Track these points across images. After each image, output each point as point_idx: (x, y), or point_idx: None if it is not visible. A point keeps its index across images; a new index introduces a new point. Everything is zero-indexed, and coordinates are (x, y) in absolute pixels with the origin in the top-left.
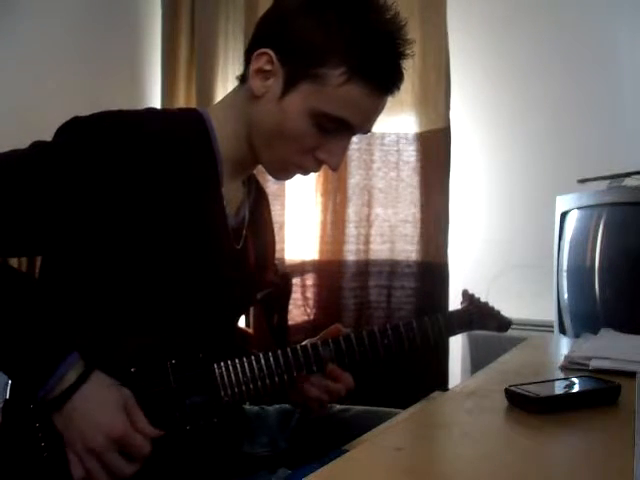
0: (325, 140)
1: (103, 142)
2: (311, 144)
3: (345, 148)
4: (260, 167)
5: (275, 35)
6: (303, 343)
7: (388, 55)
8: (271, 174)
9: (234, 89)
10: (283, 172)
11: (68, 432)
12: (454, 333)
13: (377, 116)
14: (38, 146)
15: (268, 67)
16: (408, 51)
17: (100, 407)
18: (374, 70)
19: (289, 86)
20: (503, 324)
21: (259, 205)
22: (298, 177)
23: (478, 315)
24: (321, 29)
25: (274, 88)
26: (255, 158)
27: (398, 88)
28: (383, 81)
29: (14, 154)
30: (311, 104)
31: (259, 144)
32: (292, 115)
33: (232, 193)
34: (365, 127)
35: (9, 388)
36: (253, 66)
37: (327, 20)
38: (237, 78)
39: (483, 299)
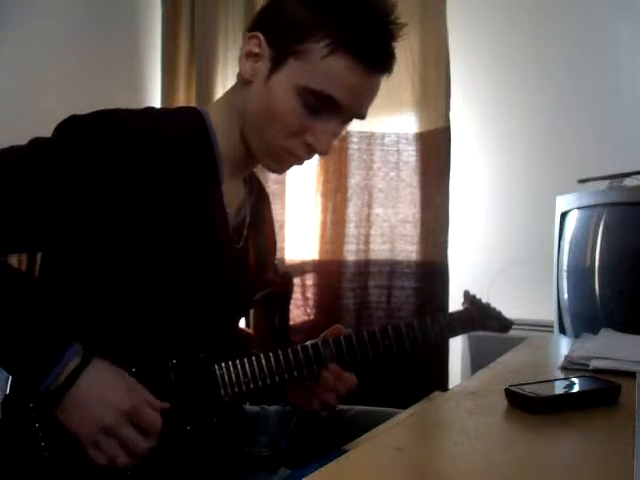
0: (313, 122)
1: (101, 140)
2: (299, 125)
3: (334, 132)
4: (260, 166)
5: (265, 20)
6: (304, 343)
7: (374, 31)
8: (263, 164)
9: (232, 86)
10: (274, 160)
11: (77, 420)
12: (455, 334)
13: (366, 98)
14: (37, 142)
15: (257, 50)
16: (397, 32)
17: (106, 387)
18: (358, 43)
19: (276, 66)
20: (504, 325)
21: (260, 205)
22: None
23: (479, 316)
24: (307, 7)
25: (262, 70)
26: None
27: (386, 69)
28: (368, 55)
29: (13, 150)
30: (296, 80)
31: (249, 131)
32: (279, 94)
33: (233, 192)
34: (354, 109)
35: (9, 384)
36: (243, 50)
37: (317, 0)
38: (237, 76)
39: (484, 300)
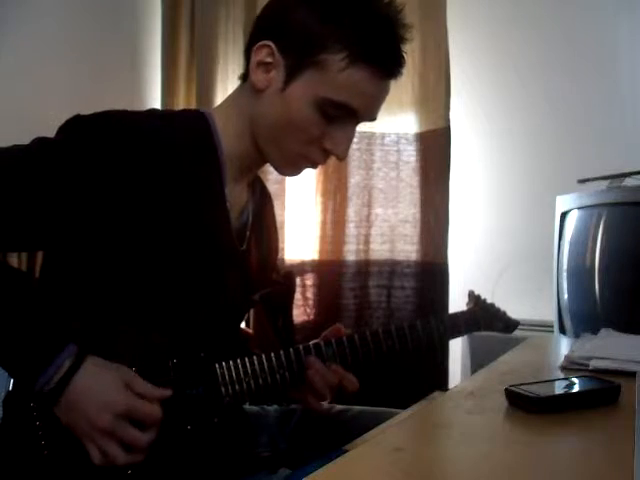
0: (330, 129)
1: (104, 141)
2: (316, 133)
3: (351, 137)
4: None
5: (274, 27)
6: (306, 343)
7: (388, 38)
8: (279, 170)
9: (236, 89)
10: (290, 166)
11: (74, 421)
12: (460, 334)
13: (381, 103)
14: (40, 142)
15: (269, 59)
16: (407, 35)
17: (99, 387)
18: (375, 53)
19: (292, 76)
20: (510, 325)
21: (263, 206)
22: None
23: (484, 316)
24: (320, 17)
25: (276, 80)
26: (260, 157)
27: (400, 73)
28: (384, 64)
29: (15, 149)
30: (315, 91)
31: (264, 139)
32: (296, 104)
33: (236, 194)
34: (369, 114)
35: (12, 380)
36: (254, 59)
37: (325, 8)
38: (239, 78)
39: (488, 299)
